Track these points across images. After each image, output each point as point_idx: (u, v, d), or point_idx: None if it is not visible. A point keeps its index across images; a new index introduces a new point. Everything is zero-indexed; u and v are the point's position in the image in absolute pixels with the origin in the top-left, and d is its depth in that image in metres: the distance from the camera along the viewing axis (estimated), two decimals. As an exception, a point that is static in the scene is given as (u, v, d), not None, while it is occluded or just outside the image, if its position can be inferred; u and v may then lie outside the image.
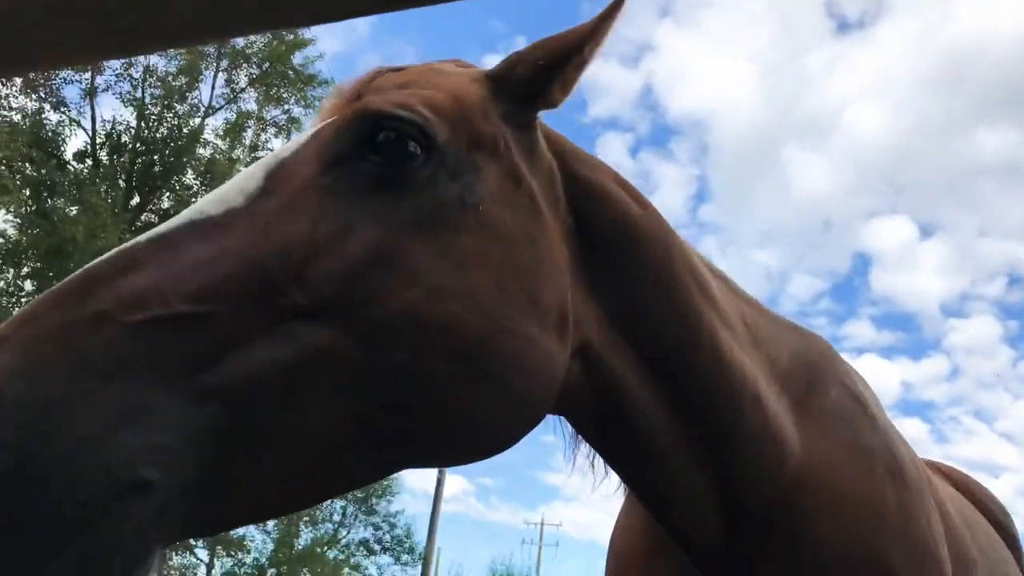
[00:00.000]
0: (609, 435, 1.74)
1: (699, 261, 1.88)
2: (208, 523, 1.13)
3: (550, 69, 1.57)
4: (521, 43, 1.66)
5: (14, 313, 1.04)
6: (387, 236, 1.26)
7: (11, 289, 24.82)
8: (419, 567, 35.62)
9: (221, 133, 29.30)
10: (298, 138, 1.42)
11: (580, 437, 1.81)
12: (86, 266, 1.12)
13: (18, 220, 24.16)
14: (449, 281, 1.29)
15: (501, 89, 1.57)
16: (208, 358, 1.07)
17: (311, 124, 1.56)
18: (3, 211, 23.34)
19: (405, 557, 38.43)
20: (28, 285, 24.95)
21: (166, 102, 28.19)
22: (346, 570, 37.28)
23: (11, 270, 24.54)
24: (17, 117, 24.77)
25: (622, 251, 1.68)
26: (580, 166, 1.70)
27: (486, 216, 1.39)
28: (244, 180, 1.27)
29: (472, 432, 1.37)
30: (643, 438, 1.69)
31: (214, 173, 27.44)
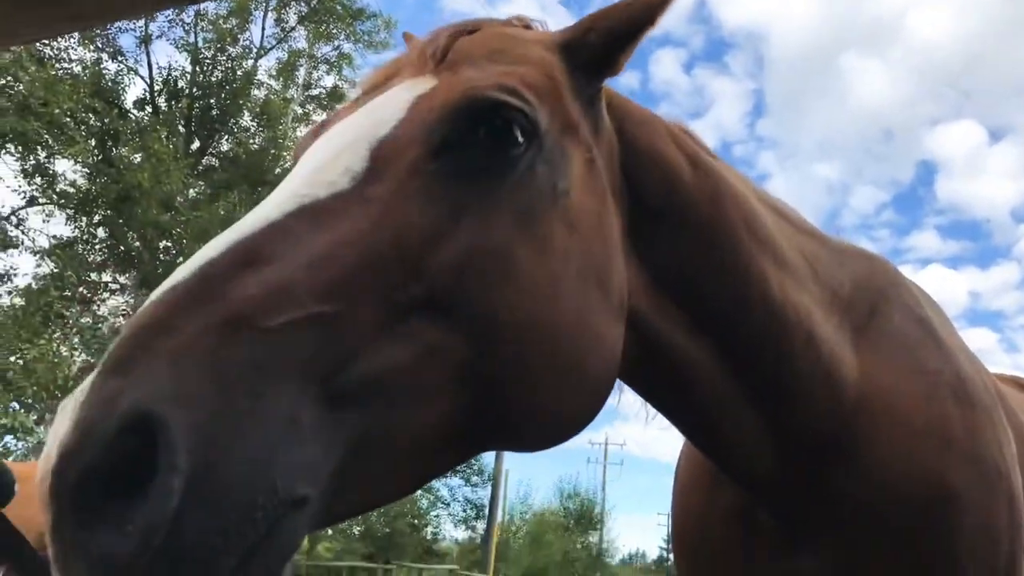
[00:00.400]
0: (660, 392, 1.75)
1: (754, 200, 1.84)
2: (333, 518, 1.14)
3: (623, 38, 1.53)
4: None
5: (134, 314, 1.00)
6: (493, 226, 1.24)
7: (85, 236, 25.68)
8: (488, 488, 36.66)
9: (274, 73, 29.51)
10: (386, 104, 1.34)
11: (627, 387, 1.77)
12: (202, 256, 1.05)
13: (87, 170, 24.82)
14: (544, 274, 1.27)
15: (573, 59, 1.52)
16: (340, 361, 1.04)
17: (383, 76, 1.48)
18: (72, 162, 24.03)
19: (475, 479, 39.27)
20: (101, 232, 25.81)
21: (218, 45, 28.35)
22: (418, 491, 38.41)
23: (83, 218, 25.32)
24: (77, 68, 25.24)
25: (666, 216, 1.65)
26: (637, 130, 1.67)
27: (571, 203, 1.37)
28: (347, 157, 1.22)
29: (558, 420, 1.37)
30: (693, 395, 1.70)
31: (269, 114, 27.72)
